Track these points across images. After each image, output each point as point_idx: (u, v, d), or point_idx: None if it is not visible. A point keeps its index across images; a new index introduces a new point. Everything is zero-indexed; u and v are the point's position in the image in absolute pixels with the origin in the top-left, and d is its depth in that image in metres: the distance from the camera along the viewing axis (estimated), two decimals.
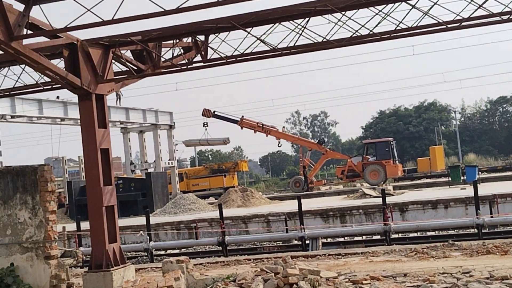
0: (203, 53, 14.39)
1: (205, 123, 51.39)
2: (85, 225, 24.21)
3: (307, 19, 12.55)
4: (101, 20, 10.31)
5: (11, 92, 15.67)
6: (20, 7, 11.00)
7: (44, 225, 13.56)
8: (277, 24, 12.79)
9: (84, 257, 21.70)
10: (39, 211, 13.60)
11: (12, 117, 36.82)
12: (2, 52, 11.75)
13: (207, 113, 50.34)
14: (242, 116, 49.88)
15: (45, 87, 15.29)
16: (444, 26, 12.15)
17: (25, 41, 11.37)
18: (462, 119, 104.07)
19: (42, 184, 13.65)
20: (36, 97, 36.89)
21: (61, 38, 12.42)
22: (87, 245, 25.25)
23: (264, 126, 49.99)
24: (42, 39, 12.16)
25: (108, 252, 12.93)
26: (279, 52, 13.12)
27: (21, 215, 13.73)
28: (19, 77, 15.01)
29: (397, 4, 12.06)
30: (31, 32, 11.41)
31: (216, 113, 50.51)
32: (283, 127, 58.48)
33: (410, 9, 11.96)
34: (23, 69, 14.74)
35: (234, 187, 47.22)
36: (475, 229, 21.37)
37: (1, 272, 13.38)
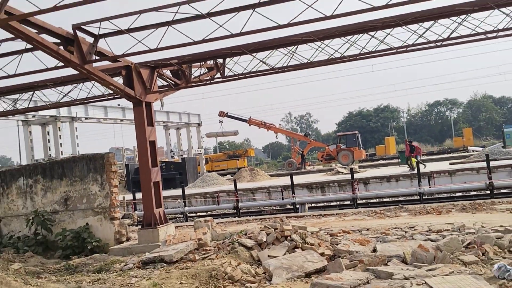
0: (221, 71, 14.39)
1: (221, 121, 52.33)
2: (138, 195, 24.34)
3: (296, 46, 12.53)
4: (148, 49, 10.32)
5: (85, 101, 15.72)
6: (91, 39, 11.02)
7: (110, 196, 13.64)
8: (275, 50, 12.77)
9: (138, 218, 21.91)
10: (106, 185, 13.68)
11: (86, 118, 37.02)
12: (78, 72, 11.78)
13: (222, 114, 50.84)
14: (250, 117, 49.89)
15: (108, 97, 15.31)
16: (395, 50, 12.12)
17: (94, 64, 11.40)
18: (408, 117, 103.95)
19: (108, 166, 13.72)
20: (102, 104, 37.16)
21: (120, 62, 12.44)
22: (140, 209, 25.38)
23: (266, 124, 50.12)
24: (106, 62, 12.19)
25: (155, 214, 13.00)
26: (276, 71, 13.11)
27: (93, 189, 13.81)
28: (90, 90, 15.06)
29: (360, 35, 12.04)
30: (98, 57, 11.43)
31: (228, 114, 50.80)
32: (279, 124, 59.20)
33: (370, 39, 11.93)
34: (93, 85, 14.78)
35: (245, 168, 47.20)
36: (418, 196, 21.42)
37: (79, 229, 13.50)
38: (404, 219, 14.03)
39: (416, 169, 23.37)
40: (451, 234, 10.17)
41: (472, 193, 22.55)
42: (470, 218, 13.02)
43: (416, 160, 28.11)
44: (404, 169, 31.95)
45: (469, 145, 56.79)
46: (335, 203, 24.60)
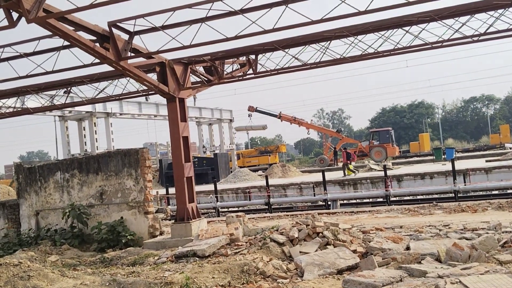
0: (254, 67, 14.41)
1: (250, 115, 52.12)
2: (171, 190, 24.62)
3: (329, 41, 12.45)
4: (182, 45, 10.42)
5: (120, 97, 15.98)
6: (126, 36, 11.20)
7: (144, 190, 13.85)
8: (307, 45, 12.71)
9: (171, 213, 22.16)
10: (140, 180, 13.90)
11: (121, 114, 37.65)
12: (114, 69, 11.98)
13: (251, 108, 50.78)
14: (280, 112, 49.71)
15: (143, 93, 15.54)
16: (430, 46, 11.91)
17: (129, 61, 11.58)
18: (443, 113, 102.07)
19: (142, 161, 13.94)
20: (137, 100, 37.63)
21: (154, 59, 12.61)
22: (173, 204, 25.69)
23: (297, 119, 49.85)
24: (141, 59, 12.36)
25: (188, 209, 13.14)
26: (308, 66, 13.06)
27: (127, 183, 14.06)
28: (125, 86, 15.30)
29: (395, 30, 11.88)
30: (133, 54, 11.60)
31: (258, 108, 50.65)
32: (311, 120, 58.57)
33: (405, 34, 11.76)
34: (128, 81, 15.01)
35: (276, 164, 47.22)
36: (453, 194, 21.02)
37: (114, 223, 13.77)
38: (438, 217, 13.80)
39: (353, 174, 23.66)
40: (487, 233, 9.95)
41: (509, 191, 21.99)
42: (507, 216, 12.72)
43: (353, 167, 28.10)
44: (438, 166, 31.41)
45: (506, 142, 55.35)
46: (367, 200, 24.37)
